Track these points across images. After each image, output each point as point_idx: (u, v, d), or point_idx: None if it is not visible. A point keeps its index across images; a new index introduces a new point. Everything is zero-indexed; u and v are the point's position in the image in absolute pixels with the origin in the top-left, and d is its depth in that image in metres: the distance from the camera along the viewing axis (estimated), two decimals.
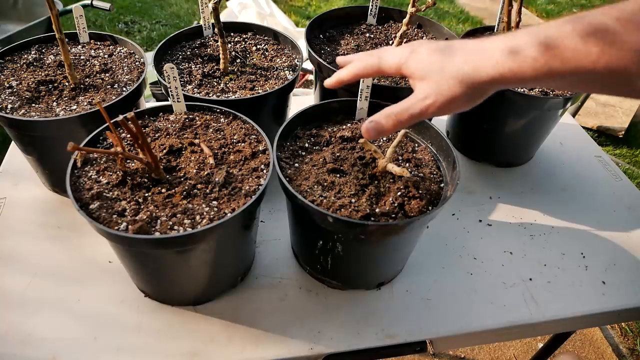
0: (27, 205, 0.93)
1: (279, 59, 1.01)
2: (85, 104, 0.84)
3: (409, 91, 0.89)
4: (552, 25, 0.48)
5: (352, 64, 0.65)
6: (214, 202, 0.66)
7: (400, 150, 0.80)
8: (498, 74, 0.51)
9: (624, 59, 0.43)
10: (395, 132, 0.59)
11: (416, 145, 0.83)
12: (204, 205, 0.65)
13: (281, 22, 2.87)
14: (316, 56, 0.94)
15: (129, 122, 0.60)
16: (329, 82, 0.68)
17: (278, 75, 0.96)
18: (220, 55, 0.94)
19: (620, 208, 1.04)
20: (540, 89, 0.99)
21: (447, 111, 0.57)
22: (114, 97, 0.84)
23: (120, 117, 0.60)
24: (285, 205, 0.80)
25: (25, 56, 0.95)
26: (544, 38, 0.47)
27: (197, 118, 0.81)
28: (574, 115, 2.63)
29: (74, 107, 0.83)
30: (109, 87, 0.88)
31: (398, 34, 0.97)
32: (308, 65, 2.13)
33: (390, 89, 0.88)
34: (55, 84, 0.88)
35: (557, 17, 4.39)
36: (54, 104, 0.84)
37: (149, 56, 0.98)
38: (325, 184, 0.71)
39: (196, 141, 0.76)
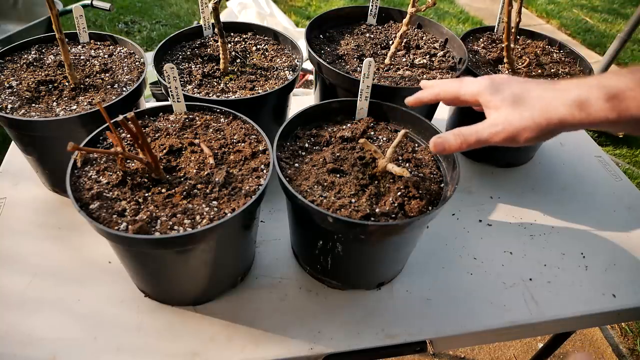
0: (27, 205, 0.93)
1: (279, 59, 1.01)
2: (85, 104, 0.84)
3: (408, 91, 0.90)
4: (618, 77, 0.54)
5: (434, 87, 0.71)
6: (214, 202, 0.66)
7: (400, 150, 0.80)
8: (569, 117, 0.55)
9: None
10: (460, 151, 0.64)
11: (416, 145, 0.83)
12: (204, 205, 0.65)
13: (281, 22, 2.87)
14: (316, 56, 0.94)
15: (129, 122, 0.60)
16: (409, 100, 0.75)
17: (278, 75, 0.96)
18: (220, 55, 0.94)
19: (620, 208, 1.04)
20: None
21: (512, 142, 0.60)
22: (114, 97, 0.84)
23: (120, 117, 0.60)
24: (285, 205, 0.80)
25: (25, 56, 0.95)
26: (612, 90, 0.53)
27: (197, 118, 0.81)
28: None
29: (74, 107, 0.83)
30: (109, 87, 0.88)
31: (398, 34, 0.97)
32: (308, 65, 2.13)
33: (391, 89, 0.88)
34: (55, 84, 0.88)
35: (557, 17, 4.38)
36: (54, 104, 0.84)
37: (149, 56, 0.98)
38: (325, 184, 0.71)
39: (196, 141, 0.76)
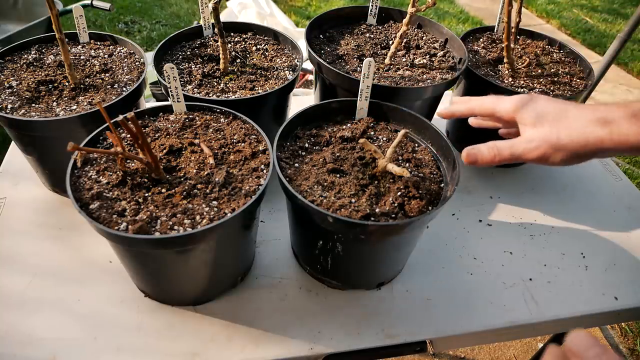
0: (27, 205, 0.93)
1: (279, 59, 1.01)
2: (85, 104, 0.84)
3: (408, 91, 0.90)
4: None
5: (469, 102, 0.71)
6: (214, 202, 0.66)
7: (400, 150, 0.80)
8: (607, 139, 0.56)
9: None
10: (493, 164, 0.65)
11: (416, 145, 0.83)
12: (204, 205, 0.65)
13: (281, 22, 2.87)
14: (316, 56, 0.94)
15: (129, 122, 0.60)
16: (442, 112, 0.76)
17: (278, 75, 0.96)
18: (220, 55, 0.94)
19: (620, 208, 1.04)
20: (539, 88, 0.99)
21: (546, 161, 0.61)
22: (114, 97, 0.84)
23: (120, 117, 0.60)
24: (285, 205, 0.80)
25: (25, 56, 0.95)
26: None
27: (197, 118, 0.81)
28: None
29: (74, 107, 0.83)
30: (109, 87, 0.88)
31: (398, 34, 0.97)
32: (308, 65, 2.13)
33: (391, 89, 0.88)
34: (55, 84, 0.88)
35: (557, 17, 4.36)
36: (54, 104, 0.84)
37: (149, 56, 0.98)
38: (325, 184, 0.71)
39: (196, 141, 0.76)
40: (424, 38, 1.09)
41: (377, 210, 0.67)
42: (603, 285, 0.87)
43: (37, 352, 0.70)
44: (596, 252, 0.93)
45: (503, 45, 1.01)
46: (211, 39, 1.06)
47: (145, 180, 0.69)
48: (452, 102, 0.76)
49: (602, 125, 0.57)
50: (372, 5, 1.11)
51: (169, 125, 0.79)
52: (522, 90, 0.97)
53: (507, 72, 1.03)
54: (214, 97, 0.87)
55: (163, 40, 0.99)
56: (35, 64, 0.93)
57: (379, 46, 1.05)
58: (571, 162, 0.60)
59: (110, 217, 0.62)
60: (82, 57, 0.96)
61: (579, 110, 0.60)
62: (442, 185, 0.75)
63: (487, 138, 1.12)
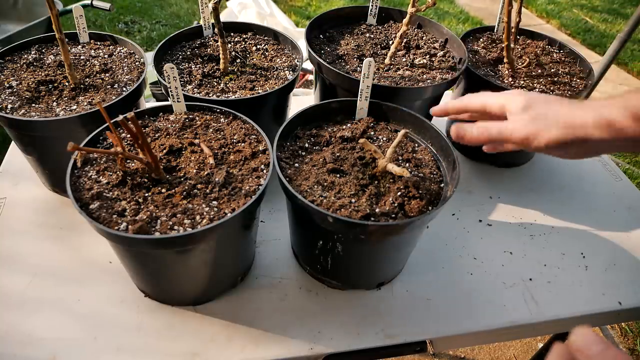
0: (27, 205, 0.93)
1: (279, 59, 1.01)
2: (85, 104, 0.84)
3: (408, 91, 0.90)
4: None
5: (462, 100, 0.75)
6: (214, 202, 0.66)
7: (400, 150, 0.80)
8: (597, 133, 0.59)
9: None
10: (479, 143, 0.69)
11: (416, 145, 0.83)
12: (204, 205, 0.65)
13: (281, 22, 2.87)
14: (316, 56, 0.94)
15: (129, 122, 0.60)
16: (435, 110, 0.80)
17: (278, 75, 0.96)
18: (220, 55, 0.94)
19: (620, 208, 1.04)
20: (539, 88, 0.99)
21: (531, 142, 0.63)
22: (114, 97, 0.84)
23: (120, 117, 0.60)
24: (285, 205, 0.80)
25: (25, 56, 0.95)
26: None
27: (197, 118, 0.81)
28: None
29: (74, 107, 0.83)
30: (109, 87, 0.88)
31: (398, 34, 0.97)
32: (308, 65, 2.13)
33: (391, 89, 0.88)
34: (55, 84, 0.88)
35: (557, 17, 4.35)
36: (54, 104, 0.84)
37: (149, 56, 0.98)
38: (325, 184, 0.71)
39: (196, 141, 0.76)
40: (424, 38, 1.09)
41: (377, 210, 0.67)
42: (603, 285, 0.87)
43: (37, 352, 0.70)
44: (596, 252, 0.93)
45: (503, 45, 1.01)
46: (211, 39, 1.06)
47: (145, 180, 0.69)
48: (446, 104, 0.79)
49: (602, 127, 0.59)
50: (372, 5, 1.11)
51: (169, 125, 0.79)
52: (519, 88, 0.97)
53: (507, 72, 1.03)
54: (214, 97, 0.87)
55: (163, 40, 0.99)
56: (35, 64, 0.93)
57: (379, 46, 1.05)
58: (556, 150, 0.63)
59: (110, 217, 0.62)
60: (82, 57, 0.96)
61: (569, 108, 0.62)
62: (442, 185, 0.75)
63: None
